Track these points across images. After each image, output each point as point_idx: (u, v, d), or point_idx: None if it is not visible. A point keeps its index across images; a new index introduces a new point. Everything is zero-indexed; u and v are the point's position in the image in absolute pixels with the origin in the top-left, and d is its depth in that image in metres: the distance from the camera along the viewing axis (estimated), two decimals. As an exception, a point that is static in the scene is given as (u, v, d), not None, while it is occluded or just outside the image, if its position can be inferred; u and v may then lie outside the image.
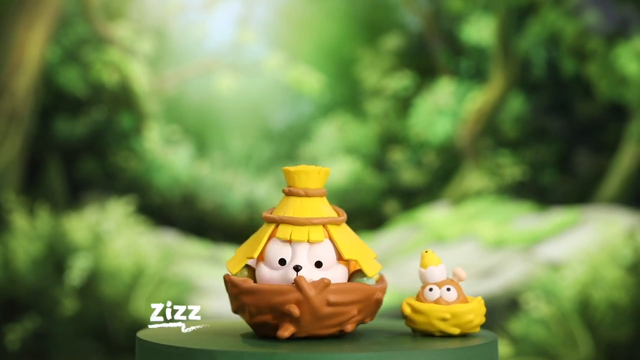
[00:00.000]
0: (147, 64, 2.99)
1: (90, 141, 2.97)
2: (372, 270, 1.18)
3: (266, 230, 1.17)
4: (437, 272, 1.24)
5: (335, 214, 1.18)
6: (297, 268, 1.15)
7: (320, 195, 1.19)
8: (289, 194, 1.19)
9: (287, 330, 1.14)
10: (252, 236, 1.21)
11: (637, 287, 2.78)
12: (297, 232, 1.16)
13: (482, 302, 1.23)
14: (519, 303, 2.81)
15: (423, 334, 1.23)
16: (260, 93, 3.04)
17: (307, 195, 1.18)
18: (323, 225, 1.17)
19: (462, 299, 1.22)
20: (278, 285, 1.14)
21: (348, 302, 1.14)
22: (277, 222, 1.17)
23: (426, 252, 1.25)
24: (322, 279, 1.13)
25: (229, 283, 1.17)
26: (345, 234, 1.18)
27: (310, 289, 1.12)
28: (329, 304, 1.13)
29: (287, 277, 1.15)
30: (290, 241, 1.16)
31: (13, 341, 2.83)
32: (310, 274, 1.14)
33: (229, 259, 1.19)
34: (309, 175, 1.18)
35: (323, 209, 1.18)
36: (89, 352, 2.84)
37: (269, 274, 1.16)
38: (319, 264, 1.15)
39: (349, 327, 1.17)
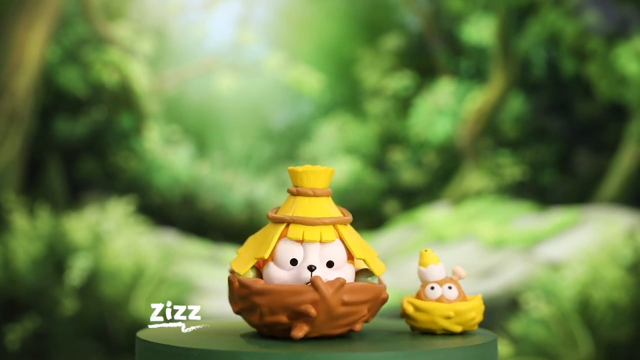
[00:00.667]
0: (147, 64, 2.99)
1: (90, 141, 2.97)
2: (379, 269, 1.18)
3: (275, 230, 1.16)
4: (437, 270, 1.24)
5: (340, 214, 1.19)
6: (311, 268, 1.14)
7: (327, 195, 1.19)
8: (296, 194, 1.18)
9: (301, 331, 1.13)
10: (256, 236, 1.20)
11: (637, 287, 2.78)
12: (310, 232, 1.15)
13: (482, 300, 1.24)
14: (519, 303, 2.81)
15: (422, 332, 1.24)
16: (260, 93, 3.04)
17: (315, 195, 1.18)
18: (333, 225, 1.17)
19: (462, 297, 1.23)
20: (293, 285, 1.13)
21: (360, 301, 1.14)
22: (288, 222, 1.16)
23: (425, 250, 1.25)
24: (338, 279, 1.13)
25: (237, 284, 1.16)
26: (352, 234, 1.18)
27: (327, 289, 1.12)
28: (344, 303, 1.13)
29: (300, 277, 1.14)
30: (302, 241, 1.16)
31: (13, 341, 2.83)
32: (323, 274, 1.14)
33: (233, 260, 1.18)
34: (317, 175, 1.18)
35: (330, 208, 1.18)
36: (89, 352, 2.84)
37: (279, 274, 1.15)
38: (330, 264, 1.15)
39: (358, 327, 1.17)
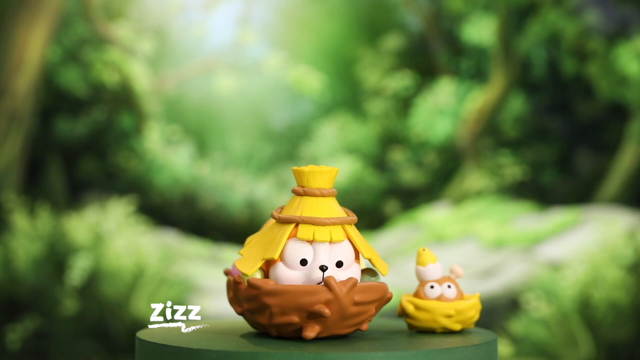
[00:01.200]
0: (147, 64, 2.99)
1: (90, 141, 2.97)
2: (384, 269, 1.18)
3: (284, 230, 1.16)
4: (436, 269, 1.25)
5: (345, 214, 1.18)
6: (323, 268, 1.14)
7: (333, 195, 1.19)
8: (304, 194, 1.18)
9: (313, 331, 1.13)
10: (260, 236, 1.18)
11: (637, 287, 2.78)
12: (320, 232, 1.15)
13: (479, 298, 1.25)
14: (519, 303, 2.81)
15: (419, 330, 1.24)
16: (260, 93, 3.04)
17: (322, 195, 1.17)
18: (341, 225, 1.17)
19: (461, 295, 1.24)
20: (307, 285, 1.13)
21: (370, 301, 1.14)
22: (297, 222, 1.16)
23: (423, 250, 1.26)
24: (350, 279, 1.13)
25: (245, 284, 1.15)
26: (357, 234, 1.18)
27: (341, 289, 1.12)
28: (355, 303, 1.13)
29: (311, 278, 1.14)
30: (312, 241, 1.15)
31: (14, 341, 2.83)
32: (333, 274, 1.14)
33: (238, 261, 1.17)
34: (324, 175, 1.18)
35: (336, 208, 1.18)
36: (89, 352, 2.84)
37: (289, 275, 1.15)
38: (339, 264, 1.15)
39: (365, 326, 1.17)
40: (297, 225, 1.16)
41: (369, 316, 1.16)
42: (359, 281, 1.16)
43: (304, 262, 1.15)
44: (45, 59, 2.94)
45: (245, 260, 1.16)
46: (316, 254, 1.15)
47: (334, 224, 1.16)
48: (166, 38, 3.02)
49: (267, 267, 1.17)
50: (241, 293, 1.16)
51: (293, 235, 1.16)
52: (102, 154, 2.98)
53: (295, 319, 1.13)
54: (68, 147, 2.96)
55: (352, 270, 1.16)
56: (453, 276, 1.25)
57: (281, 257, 1.15)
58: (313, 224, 1.15)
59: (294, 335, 1.15)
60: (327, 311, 1.11)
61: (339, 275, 1.14)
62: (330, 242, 1.15)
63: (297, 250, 1.15)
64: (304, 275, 1.14)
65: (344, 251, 1.16)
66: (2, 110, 2.92)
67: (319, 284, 1.13)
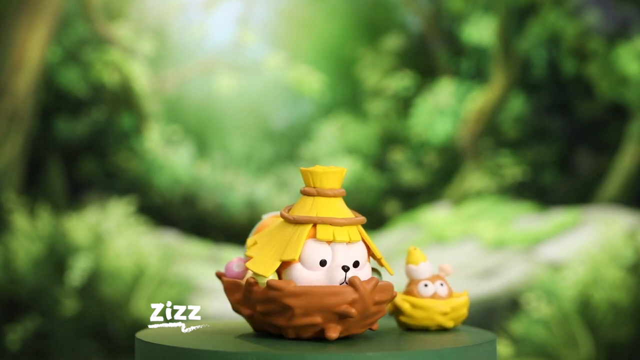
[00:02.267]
0: (147, 64, 2.99)
1: (90, 141, 2.97)
2: (391, 268, 1.18)
3: (302, 231, 1.14)
4: (427, 268, 1.26)
5: (353, 214, 1.18)
6: (345, 268, 1.14)
7: (342, 195, 1.18)
8: (317, 194, 1.17)
9: (335, 331, 1.13)
10: (271, 237, 1.16)
11: (637, 287, 2.78)
12: (339, 233, 1.14)
13: (468, 295, 1.28)
14: (519, 303, 2.81)
15: (409, 329, 1.25)
16: (260, 93, 3.04)
17: (334, 195, 1.17)
18: (356, 225, 1.17)
19: (451, 293, 1.26)
20: (331, 285, 1.12)
21: (385, 300, 1.15)
22: (315, 223, 1.15)
23: (414, 249, 1.27)
24: (372, 278, 1.13)
25: (262, 286, 1.13)
26: (366, 234, 1.18)
27: (366, 289, 1.12)
28: (376, 303, 1.13)
29: (333, 278, 1.13)
30: (330, 242, 1.15)
31: (14, 341, 2.83)
32: (353, 274, 1.14)
33: (249, 262, 1.15)
34: (336, 176, 1.17)
35: (346, 209, 1.17)
36: (89, 352, 2.84)
37: (309, 276, 1.13)
38: (356, 264, 1.15)
39: (376, 325, 1.17)
40: (314, 225, 1.15)
41: (381, 315, 1.16)
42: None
43: (323, 263, 1.14)
44: (45, 59, 2.94)
45: (259, 261, 1.14)
46: (335, 254, 1.14)
47: (350, 224, 1.15)
48: (166, 38, 3.02)
49: (281, 268, 1.15)
50: (256, 295, 1.14)
51: (311, 236, 1.15)
52: (102, 154, 2.98)
53: (317, 319, 1.12)
54: (68, 147, 2.96)
55: (366, 270, 1.16)
56: (443, 274, 1.27)
57: (299, 258, 1.14)
58: (332, 225, 1.15)
59: (313, 337, 1.14)
60: (353, 311, 1.11)
61: (357, 275, 1.14)
62: (349, 242, 1.15)
63: (316, 250, 1.14)
64: (324, 276, 1.13)
65: (360, 251, 1.15)
66: (2, 110, 2.92)
67: (341, 284, 1.13)
